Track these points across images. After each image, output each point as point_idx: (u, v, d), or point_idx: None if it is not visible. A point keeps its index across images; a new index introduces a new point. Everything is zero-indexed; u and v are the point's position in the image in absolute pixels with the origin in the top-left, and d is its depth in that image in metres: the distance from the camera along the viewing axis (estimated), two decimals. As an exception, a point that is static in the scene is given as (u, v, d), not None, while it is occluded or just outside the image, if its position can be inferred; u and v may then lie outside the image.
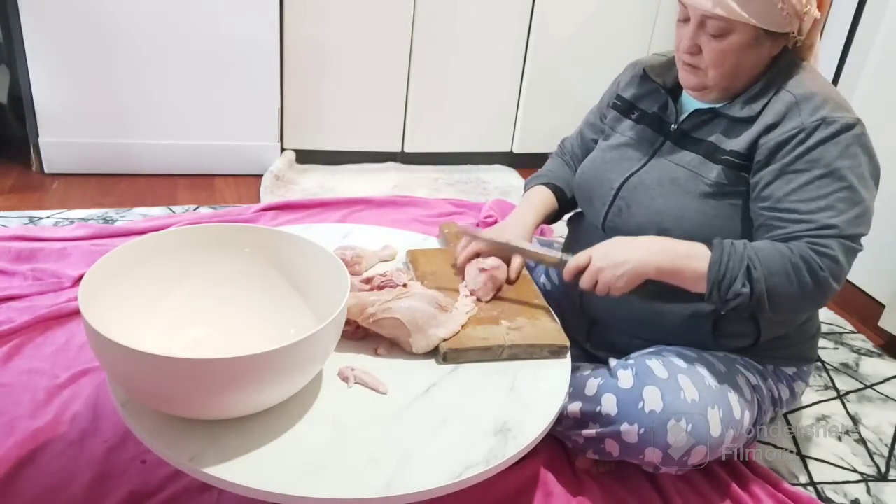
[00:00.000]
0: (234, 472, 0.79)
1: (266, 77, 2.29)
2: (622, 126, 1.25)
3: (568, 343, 1.08)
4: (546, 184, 1.36)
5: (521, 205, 1.34)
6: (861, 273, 1.94)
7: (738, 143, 1.07)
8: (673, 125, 1.17)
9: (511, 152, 2.77)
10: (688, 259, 1.02)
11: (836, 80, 2.06)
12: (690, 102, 1.17)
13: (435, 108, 2.59)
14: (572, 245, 1.31)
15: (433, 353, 1.03)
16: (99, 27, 2.06)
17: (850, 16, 2.03)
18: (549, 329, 1.10)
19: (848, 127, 1.01)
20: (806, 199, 1.00)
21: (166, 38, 2.14)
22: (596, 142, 1.33)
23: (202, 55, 2.19)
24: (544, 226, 2.11)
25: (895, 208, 1.82)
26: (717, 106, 1.12)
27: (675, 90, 1.19)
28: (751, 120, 1.07)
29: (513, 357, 1.05)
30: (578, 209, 1.34)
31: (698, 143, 1.12)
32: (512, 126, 2.72)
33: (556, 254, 1.16)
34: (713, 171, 1.09)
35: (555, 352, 1.06)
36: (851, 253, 1.01)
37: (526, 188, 1.39)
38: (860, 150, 1.01)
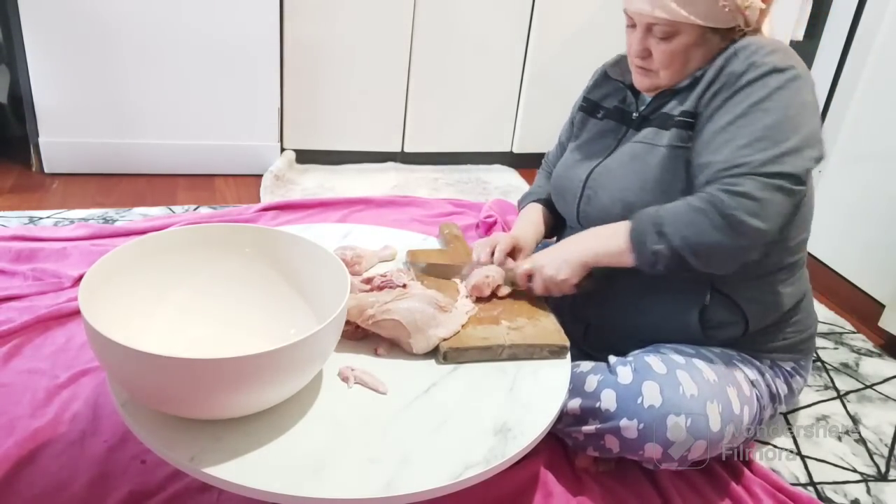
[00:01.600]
0: (234, 472, 0.79)
1: (266, 77, 2.29)
2: (588, 125, 1.29)
3: (568, 343, 1.08)
4: (538, 200, 1.39)
5: (518, 223, 1.37)
6: (861, 273, 1.94)
7: (688, 103, 1.09)
8: (634, 114, 1.20)
9: (511, 152, 2.77)
10: (612, 237, 1.08)
11: (836, 81, 2.06)
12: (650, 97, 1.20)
13: (435, 108, 2.59)
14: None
15: (433, 352, 1.03)
16: (99, 27, 2.06)
17: (850, 16, 2.03)
18: (550, 329, 1.10)
19: (778, 69, 1.01)
20: (722, 141, 1.01)
21: (166, 38, 2.14)
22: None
23: (202, 55, 2.19)
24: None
25: (895, 208, 1.82)
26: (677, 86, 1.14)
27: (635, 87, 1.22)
28: (699, 80, 1.09)
29: (513, 357, 1.05)
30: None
31: (654, 118, 1.15)
32: (512, 126, 2.72)
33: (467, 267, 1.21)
34: (665, 137, 1.11)
35: (555, 352, 1.07)
36: (777, 190, 0.96)
37: (520, 207, 1.43)
38: (789, 94, 1.00)
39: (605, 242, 1.09)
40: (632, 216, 1.07)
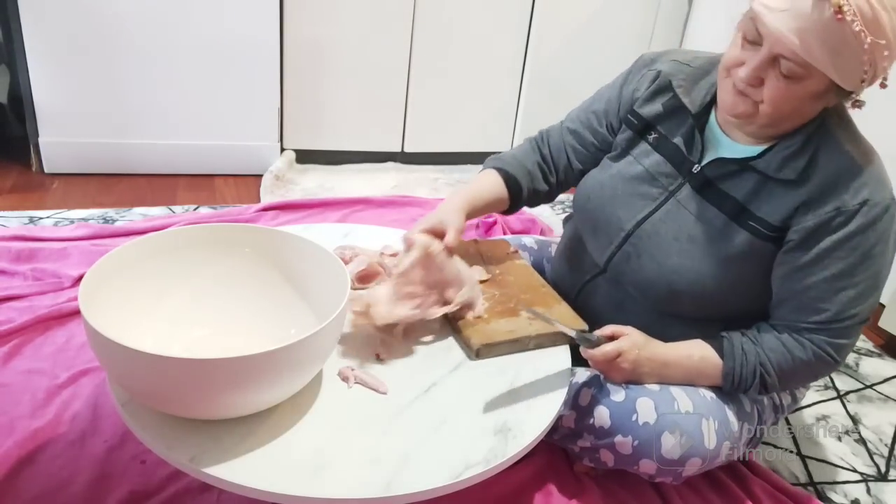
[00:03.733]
0: (234, 472, 0.79)
1: (266, 77, 2.29)
2: (637, 150, 1.14)
3: (586, 326, 1.09)
4: (500, 170, 1.22)
5: (466, 188, 1.20)
6: (861, 273, 1.94)
7: (771, 212, 1.00)
8: (696, 165, 1.06)
9: (511, 152, 2.76)
10: (701, 372, 1.05)
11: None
12: (718, 139, 1.07)
13: (435, 108, 2.59)
14: (565, 253, 1.27)
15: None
16: (99, 27, 2.06)
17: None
18: (566, 315, 1.11)
19: (886, 209, 0.97)
20: (838, 289, 0.99)
21: (166, 38, 2.14)
22: (595, 146, 1.22)
23: (202, 55, 2.19)
24: (544, 225, 2.12)
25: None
26: (749, 158, 1.02)
27: (701, 115, 1.08)
28: (787, 184, 0.99)
29: (539, 346, 1.07)
30: (571, 210, 1.28)
31: (723, 198, 1.04)
32: (512, 126, 2.72)
33: (569, 330, 1.03)
34: (738, 237, 1.02)
35: (577, 337, 1.05)
36: (859, 329, 1.04)
37: (484, 167, 1.27)
38: (891, 233, 0.99)
39: (693, 376, 1.05)
40: (725, 353, 1.03)
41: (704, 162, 1.07)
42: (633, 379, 1.04)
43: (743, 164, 1.02)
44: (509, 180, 1.22)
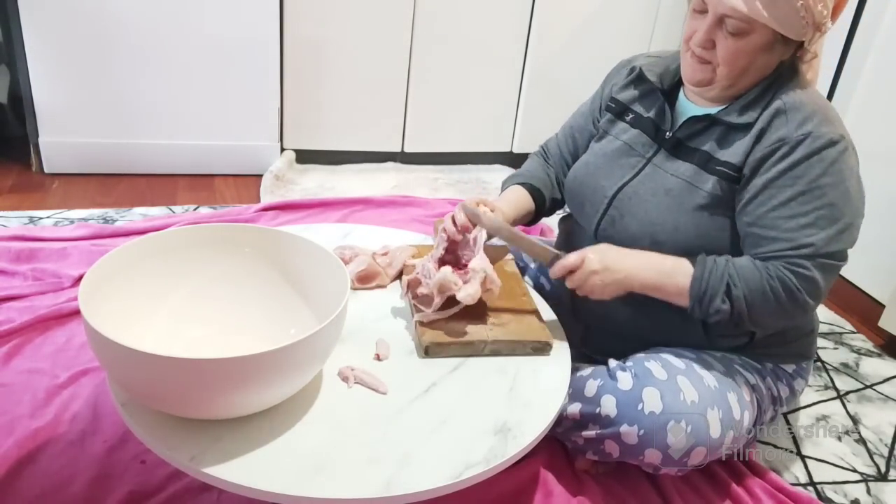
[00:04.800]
0: (234, 472, 0.79)
1: (266, 77, 2.29)
2: (616, 129, 1.23)
3: (552, 340, 1.08)
4: (523, 184, 1.32)
5: (497, 202, 1.27)
6: (861, 273, 1.94)
7: (733, 154, 1.07)
8: (668, 132, 1.15)
9: (511, 152, 2.76)
10: (672, 275, 1.06)
11: (835, 82, 2.05)
12: (686, 108, 1.16)
13: (435, 108, 2.59)
14: (563, 246, 1.30)
15: (421, 350, 1.04)
16: (99, 27, 2.06)
17: (850, 16, 2.03)
18: (534, 326, 1.10)
19: (833, 143, 1.00)
20: (786, 216, 1.01)
21: (166, 38, 2.14)
22: (586, 147, 1.31)
23: (202, 55, 2.19)
24: (544, 227, 2.12)
25: (895, 208, 1.82)
26: (714, 112, 1.10)
27: (671, 93, 1.18)
28: (746, 128, 1.07)
29: (495, 353, 1.06)
30: (567, 211, 1.33)
31: (693, 153, 1.11)
32: (512, 126, 2.72)
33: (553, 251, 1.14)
34: (708, 183, 1.08)
35: (538, 348, 1.07)
36: (830, 270, 1.02)
37: (503, 187, 1.35)
38: (844, 168, 1.01)
39: (665, 281, 1.06)
40: (697, 261, 1.05)
41: (676, 126, 1.15)
42: (608, 284, 1.07)
43: (709, 119, 1.10)
44: (534, 192, 1.31)
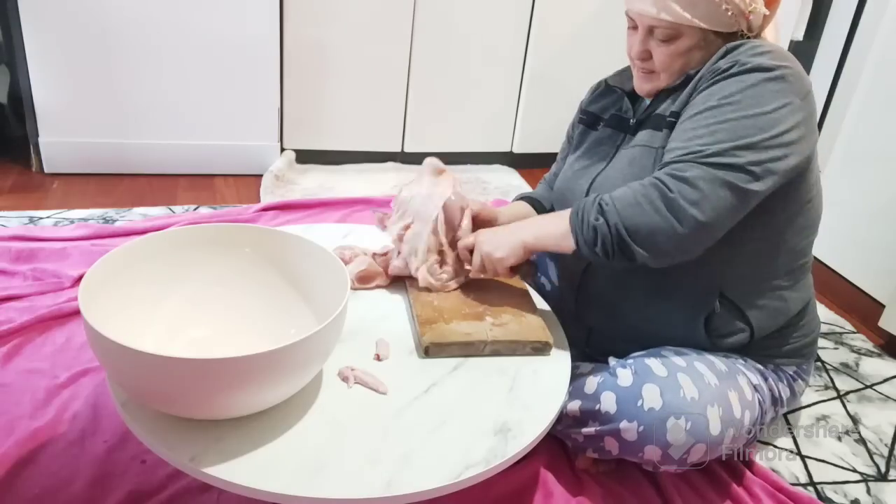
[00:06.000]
0: (234, 472, 0.79)
1: (266, 77, 2.29)
2: (589, 138, 1.28)
3: (551, 340, 1.08)
4: (528, 199, 1.40)
5: (503, 212, 1.34)
6: (861, 273, 1.94)
7: (680, 103, 1.08)
8: (632, 120, 1.19)
9: (511, 152, 2.77)
10: (555, 220, 1.08)
11: (836, 81, 2.06)
12: (646, 100, 1.19)
13: (435, 108, 2.59)
14: (554, 254, 1.34)
15: (421, 350, 1.04)
16: (99, 27, 2.06)
17: (850, 16, 2.03)
18: (534, 326, 1.10)
19: (760, 68, 0.97)
20: (688, 128, 1.00)
21: (166, 39, 2.14)
22: None
23: (202, 55, 2.19)
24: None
25: (895, 208, 1.82)
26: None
27: (634, 94, 1.21)
28: (689, 79, 1.08)
29: (495, 353, 1.06)
30: None
31: (649, 121, 1.14)
32: (512, 126, 2.73)
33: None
34: (660, 138, 1.09)
35: (538, 348, 1.07)
36: (720, 179, 0.93)
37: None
38: (766, 92, 0.97)
39: (548, 224, 1.09)
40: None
41: (639, 113, 1.19)
42: (500, 245, 1.10)
43: (667, 91, 1.13)
44: (536, 204, 1.38)
